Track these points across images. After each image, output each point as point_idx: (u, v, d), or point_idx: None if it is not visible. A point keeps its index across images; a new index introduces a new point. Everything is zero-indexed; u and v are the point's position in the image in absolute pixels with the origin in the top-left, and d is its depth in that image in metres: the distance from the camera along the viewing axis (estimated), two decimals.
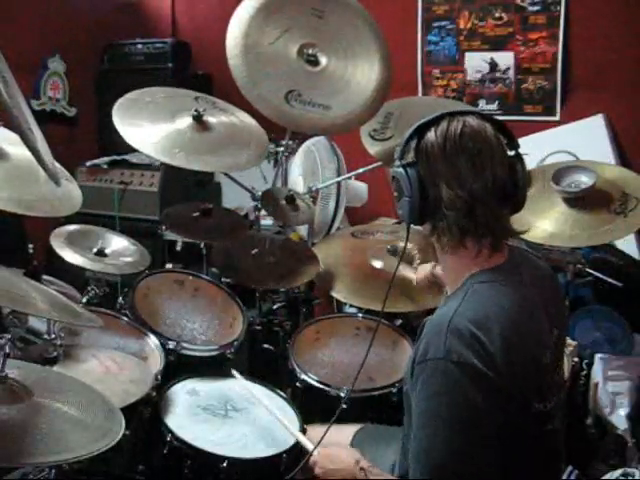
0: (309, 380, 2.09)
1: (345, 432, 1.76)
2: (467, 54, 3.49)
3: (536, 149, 3.13)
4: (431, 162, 1.34)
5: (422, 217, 1.38)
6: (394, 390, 2.03)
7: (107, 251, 2.32)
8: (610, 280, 2.61)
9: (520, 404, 1.28)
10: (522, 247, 1.58)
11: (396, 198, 1.41)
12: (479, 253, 1.36)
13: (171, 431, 1.82)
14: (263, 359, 2.50)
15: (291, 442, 1.83)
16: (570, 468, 2.09)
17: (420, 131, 1.37)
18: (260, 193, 2.50)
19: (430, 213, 1.36)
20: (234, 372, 2.05)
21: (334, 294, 2.44)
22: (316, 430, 1.65)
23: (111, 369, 1.92)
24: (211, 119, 2.40)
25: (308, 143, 3.11)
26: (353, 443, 1.73)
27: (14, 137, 1.55)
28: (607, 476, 2.08)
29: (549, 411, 1.35)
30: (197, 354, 2.21)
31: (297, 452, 1.77)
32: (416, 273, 2.14)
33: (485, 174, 1.31)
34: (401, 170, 1.36)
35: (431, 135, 1.35)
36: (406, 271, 2.17)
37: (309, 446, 1.67)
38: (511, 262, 1.40)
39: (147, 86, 2.49)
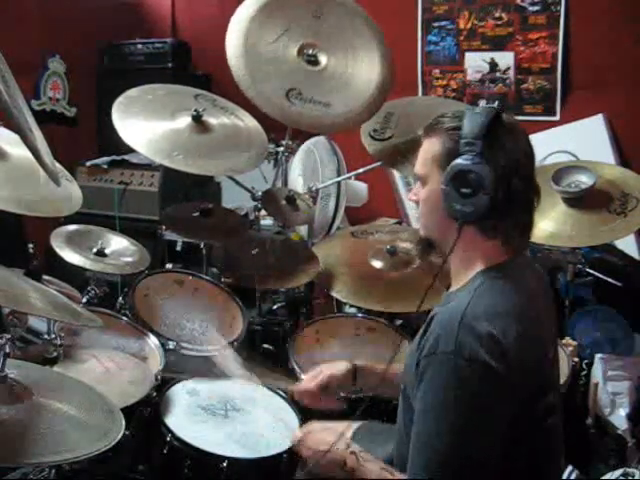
0: None
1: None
2: (467, 54, 3.49)
3: (536, 149, 3.11)
4: (497, 156, 1.34)
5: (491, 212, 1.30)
6: None
7: (107, 251, 2.32)
8: (610, 280, 2.61)
9: (530, 398, 1.28)
10: None
11: (462, 195, 1.31)
12: (503, 245, 1.35)
13: (171, 431, 1.82)
14: (263, 359, 2.50)
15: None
16: (570, 468, 2.09)
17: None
18: (260, 193, 2.50)
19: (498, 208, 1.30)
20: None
21: (334, 294, 2.44)
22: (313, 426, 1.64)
23: (111, 369, 1.92)
24: (210, 120, 2.39)
25: (308, 143, 3.10)
26: (352, 440, 1.72)
27: (14, 137, 1.55)
28: (607, 476, 2.07)
29: (553, 405, 1.36)
30: (197, 354, 2.21)
31: (296, 452, 1.77)
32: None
33: (530, 170, 1.42)
34: (477, 166, 1.30)
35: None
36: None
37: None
38: (517, 258, 1.40)
39: None
